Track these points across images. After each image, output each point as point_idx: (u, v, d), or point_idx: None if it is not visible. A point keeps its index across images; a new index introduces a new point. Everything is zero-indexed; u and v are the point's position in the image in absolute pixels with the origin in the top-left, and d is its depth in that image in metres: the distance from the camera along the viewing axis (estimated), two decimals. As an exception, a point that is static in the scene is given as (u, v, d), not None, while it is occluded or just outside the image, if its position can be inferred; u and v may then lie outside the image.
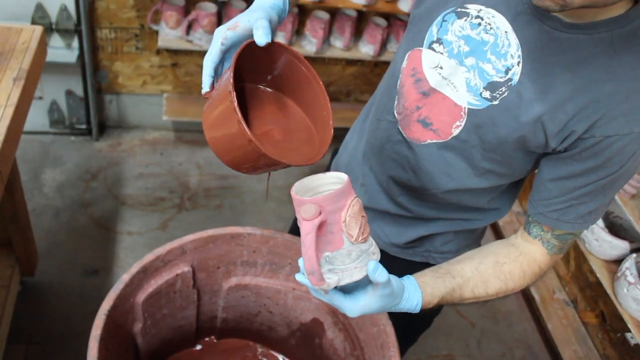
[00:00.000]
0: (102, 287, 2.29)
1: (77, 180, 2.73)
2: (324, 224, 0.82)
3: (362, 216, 0.86)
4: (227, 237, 1.27)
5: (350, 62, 3.05)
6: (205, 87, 0.90)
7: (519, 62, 0.93)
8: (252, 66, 0.92)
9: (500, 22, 0.94)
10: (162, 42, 2.59)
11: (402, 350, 1.27)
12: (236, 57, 0.84)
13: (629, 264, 2.07)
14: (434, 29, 1.02)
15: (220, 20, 2.61)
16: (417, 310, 0.97)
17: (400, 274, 1.22)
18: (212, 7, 2.56)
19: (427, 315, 1.43)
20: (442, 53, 1.01)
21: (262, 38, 0.84)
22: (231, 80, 0.82)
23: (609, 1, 0.77)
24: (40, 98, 2.78)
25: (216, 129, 0.87)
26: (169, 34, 2.57)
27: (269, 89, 0.99)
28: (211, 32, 2.56)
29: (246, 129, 0.81)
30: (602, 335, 2.46)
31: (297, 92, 0.97)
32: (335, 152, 1.48)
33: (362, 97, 3.22)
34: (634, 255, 2.10)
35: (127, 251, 2.47)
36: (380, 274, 0.85)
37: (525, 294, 2.76)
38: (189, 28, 2.57)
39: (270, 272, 1.35)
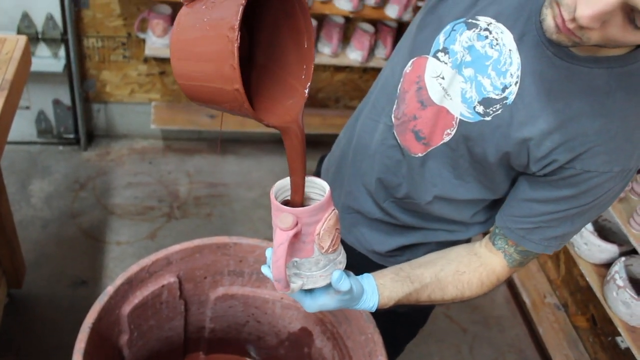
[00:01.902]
0: (91, 298, 2.24)
1: (66, 191, 2.71)
2: (298, 234, 0.83)
3: (337, 229, 0.87)
4: (213, 247, 1.26)
5: (339, 69, 3.05)
6: None
7: (516, 82, 0.93)
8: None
9: (507, 40, 0.93)
10: (149, 51, 2.58)
11: (390, 359, 1.26)
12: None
13: (618, 267, 2.07)
14: (441, 37, 1.01)
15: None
16: (372, 310, 0.99)
17: None
18: (199, 15, 2.55)
19: (413, 327, 1.43)
20: (446, 63, 1.00)
21: None
22: (239, 14, 0.67)
23: (620, 43, 0.77)
24: (27, 108, 2.77)
25: (196, 57, 0.73)
26: (156, 42, 2.57)
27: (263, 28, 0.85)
28: (198, 40, 2.55)
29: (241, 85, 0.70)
30: (593, 339, 2.46)
31: (286, 39, 0.84)
32: (321, 159, 1.47)
33: (351, 104, 3.22)
34: (623, 258, 2.10)
35: (116, 261, 2.45)
36: (343, 283, 0.89)
37: (517, 299, 2.76)
38: (176, 36, 2.56)
39: (257, 282, 1.35)
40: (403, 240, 1.24)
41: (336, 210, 0.87)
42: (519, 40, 0.92)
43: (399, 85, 1.09)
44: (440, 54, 1.01)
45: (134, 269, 1.18)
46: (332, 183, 1.32)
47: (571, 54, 0.88)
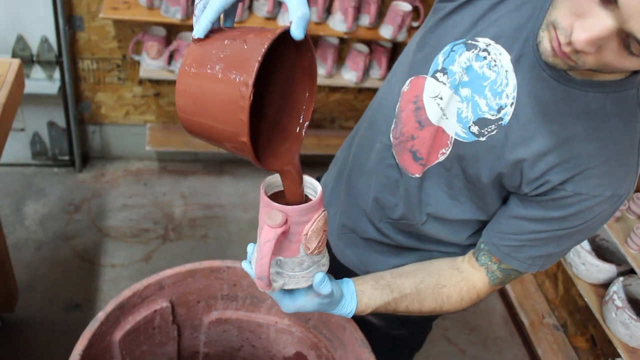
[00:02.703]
0: (84, 322, 2.22)
1: (60, 213, 2.69)
2: (286, 232, 0.82)
3: (324, 230, 0.86)
4: (206, 271, 1.25)
5: (334, 89, 3.05)
6: (200, 33, 0.74)
7: (512, 104, 0.92)
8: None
9: (505, 61, 0.93)
10: (144, 73, 2.58)
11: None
12: (269, 44, 0.69)
13: (616, 287, 2.06)
14: (440, 57, 1.00)
15: (202, 49, 2.60)
16: (349, 316, 0.99)
17: None
18: (194, 37, 2.56)
19: (410, 350, 1.42)
20: (444, 83, 1.00)
21: (299, 32, 0.73)
22: (254, 71, 0.66)
23: (615, 69, 0.77)
24: (22, 130, 2.76)
25: (203, 101, 0.72)
26: (151, 64, 2.57)
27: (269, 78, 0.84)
28: (193, 62, 2.55)
29: (248, 138, 0.69)
30: None
31: (291, 87, 0.84)
32: (317, 180, 1.46)
33: (346, 124, 3.22)
34: (622, 278, 2.09)
35: (111, 284, 2.43)
36: (325, 287, 0.89)
37: (515, 319, 2.74)
38: (171, 58, 2.57)
39: (251, 306, 1.33)
40: (398, 261, 1.22)
41: (326, 212, 0.86)
42: (516, 62, 0.92)
43: (397, 105, 1.09)
44: (439, 74, 1.00)
45: (125, 294, 1.17)
46: (329, 202, 1.32)
47: (568, 77, 0.88)
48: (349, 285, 0.99)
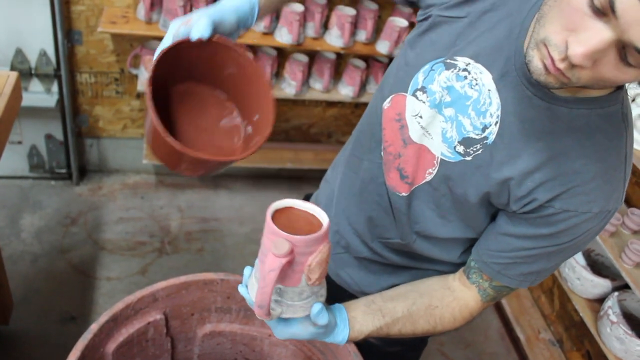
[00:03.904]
0: (79, 335, 2.21)
1: (57, 225, 2.70)
2: (291, 261, 0.81)
3: (327, 262, 0.85)
4: (200, 283, 1.25)
5: (331, 104, 3.06)
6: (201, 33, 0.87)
7: (496, 122, 0.92)
8: (195, 64, 0.90)
9: (486, 80, 0.93)
10: (141, 86, 2.59)
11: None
12: (160, 56, 0.83)
13: (611, 302, 2.06)
14: (420, 76, 1.00)
15: (200, 63, 2.62)
16: (341, 344, 0.99)
17: None
18: (191, 51, 2.57)
19: None
20: (424, 102, 1.00)
21: (194, 34, 0.85)
22: (150, 79, 0.80)
23: (611, 82, 0.76)
24: (20, 143, 2.77)
25: (145, 126, 0.86)
26: (149, 78, 2.58)
27: (212, 87, 0.96)
28: (191, 76, 2.57)
29: (158, 120, 0.80)
30: (589, 375, 2.43)
31: (240, 89, 0.94)
32: (306, 197, 1.46)
33: (343, 139, 3.23)
34: (616, 293, 2.09)
35: (106, 297, 2.43)
36: (322, 317, 0.89)
37: (511, 335, 2.73)
38: (169, 72, 2.58)
39: (245, 318, 1.33)
40: (393, 280, 1.22)
41: (330, 244, 0.86)
42: (498, 81, 0.91)
43: (381, 122, 1.09)
44: (418, 93, 1.00)
45: (119, 306, 1.17)
46: None
47: (551, 94, 0.88)
48: (341, 312, 0.99)
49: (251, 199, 3.09)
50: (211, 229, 2.86)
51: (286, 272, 0.83)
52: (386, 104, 1.07)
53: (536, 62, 0.79)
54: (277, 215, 0.86)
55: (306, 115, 3.08)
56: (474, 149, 0.95)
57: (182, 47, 0.86)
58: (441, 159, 1.00)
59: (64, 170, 2.91)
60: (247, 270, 0.93)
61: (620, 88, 0.88)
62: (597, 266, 2.33)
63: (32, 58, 2.51)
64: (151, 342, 1.27)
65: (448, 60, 0.97)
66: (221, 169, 0.94)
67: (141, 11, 2.42)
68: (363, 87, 2.84)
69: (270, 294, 0.82)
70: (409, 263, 1.19)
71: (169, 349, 1.32)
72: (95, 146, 2.95)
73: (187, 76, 0.94)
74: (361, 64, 2.78)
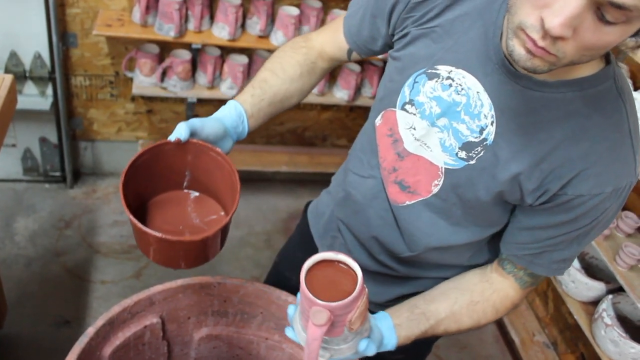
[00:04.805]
0: (74, 338, 2.19)
1: (51, 229, 2.69)
2: (331, 321, 0.83)
3: (367, 309, 0.88)
4: (196, 286, 1.25)
5: (326, 107, 3.07)
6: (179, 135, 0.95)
7: (492, 122, 0.93)
8: (173, 165, 0.99)
9: (471, 83, 0.94)
10: (136, 89, 2.59)
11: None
12: (134, 158, 0.92)
13: (605, 305, 2.07)
14: (406, 90, 1.02)
15: (194, 67, 2.62)
16: (391, 349, 1.00)
17: None
18: (186, 55, 2.57)
19: None
20: (414, 114, 1.01)
21: (172, 136, 0.92)
22: (121, 186, 0.89)
23: (597, 48, 0.76)
24: (14, 145, 2.76)
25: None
26: (144, 81, 2.58)
27: (191, 190, 1.05)
28: (186, 79, 2.57)
29: (133, 218, 0.88)
30: (583, 378, 2.43)
31: (214, 183, 1.02)
32: (307, 205, 1.46)
33: (338, 142, 3.23)
34: (611, 296, 2.10)
35: (100, 301, 2.42)
36: (370, 350, 0.91)
37: (505, 338, 2.74)
38: (164, 75, 2.58)
39: (242, 322, 1.33)
40: (400, 290, 1.23)
41: (366, 291, 0.86)
42: (484, 82, 0.92)
43: (375, 139, 1.11)
44: (407, 106, 1.02)
45: (115, 309, 1.16)
46: (324, 232, 1.32)
47: (541, 82, 0.88)
48: (386, 321, 1.00)
49: (246, 203, 3.09)
50: (206, 232, 2.85)
51: (329, 329, 0.85)
52: (378, 121, 1.09)
53: (518, 49, 0.79)
54: (311, 276, 0.86)
55: (301, 118, 3.08)
56: (476, 152, 0.95)
57: (164, 149, 0.94)
58: (445, 169, 1.00)
59: (58, 173, 2.90)
60: (290, 309, 0.95)
61: (608, 63, 0.88)
62: (592, 269, 2.34)
63: (27, 61, 2.50)
64: (147, 346, 1.26)
65: (429, 71, 0.98)
66: (202, 258, 1.00)
67: (136, 14, 2.42)
68: (358, 90, 2.84)
69: (317, 357, 0.85)
70: (417, 273, 1.19)
71: (165, 353, 1.31)
72: (90, 149, 2.94)
73: (166, 183, 1.02)
74: (356, 67, 2.79)
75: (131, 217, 0.88)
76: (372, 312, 1.07)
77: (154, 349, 1.28)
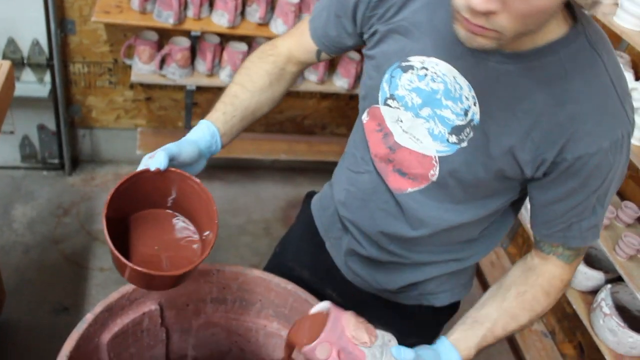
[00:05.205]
0: (72, 325, 2.18)
1: (49, 216, 2.68)
2: (339, 351, 0.90)
3: (362, 322, 0.93)
4: (195, 274, 1.24)
5: (325, 96, 3.06)
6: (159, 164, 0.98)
7: (475, 103, 0.94)
8: (155, 191, 1.02)
9: (445, 69, 0.95)
10: (135, 77, 2.57)
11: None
12: (118, 185, 0.95)
13: (604, 294, 2.07)
14: (385, 86, 1.03)
15: (193, 54, 2.61)
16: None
17: (393, 317, 1.23)
18: (185, 42, 2.56)
19: None
20: (398, 108, 1.03)
21: (153, 165, 0.95)
22: (104, 213, 0.93)
23: (534, 14, 0.76)
24: (12, 132, 2.75)
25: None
26: (143, 69, 2.56)
27: (170, 211, 1.09)
28: (185, 67, 2.56)
29: (111, 243, 0.92)
30: (581, 367, 2.44)
31: (192, 209, 1.06)
32: (309, 195, 1.46)
33: (337, 130, 3.22)
34: (609, 286, 2.10)
35: (99, 288, 2.42)
36: (405, 353, 0.92)
37: (503, 326, 2.74)
38: (163, 62, 2.56)
39: (240, 309, 1.33)
40: (413, 277, 1.23)
41: (349, 313, 0.94)
42: (458, 65, 0.93)
43: (365, 136, 1.12)
44: (389, 101, 1.04)
45: (114, 296, 1.16)
46: (330, 226, 1.32)
47: (512, 54, 0.89)
48: (442, 341, 1.01)
49: (245, 190, 3.08)
50: (205, 221, 2.85)
51: (347, 356, 0.91)
52: (365, 118, 1.11)
53: (460, 31, 0.81)
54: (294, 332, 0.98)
55: (300, 106, 3.07)
56: (466, 134, 0.96)
57: (145, 176, 0.97)
58: (439, 157, 1.00)
59: (56, 161, 2.89)
60: None
61: (575, 22, 0.89)
62: (591, 259, 2.34)
63: (25, 47, 2.49)
64: (146, 333, 1.26)
65: (403, 64, 1.00)
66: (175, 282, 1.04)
67: (135, 1, 2.40)
68: (358, 79, 2.83)
69: None
70: (429, 258, 1.19)
71: (163, 340, 1.31)
72: (88, 136, 2.93)
73: (147, 203, 1.05)
74: (356, 56, 2.77)
75: (113, 249, 0.92)
76: (402, 319, 1.12)
77: (152, 336, 1.28)
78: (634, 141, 1.92)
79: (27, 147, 2.81)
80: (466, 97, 0.94)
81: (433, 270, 1.21)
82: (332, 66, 2.85)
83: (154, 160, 0.96)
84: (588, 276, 2.17)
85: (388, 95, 1.03)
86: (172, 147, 0.98)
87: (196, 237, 1.09)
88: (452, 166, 1.00)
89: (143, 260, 1.01)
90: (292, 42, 1.20)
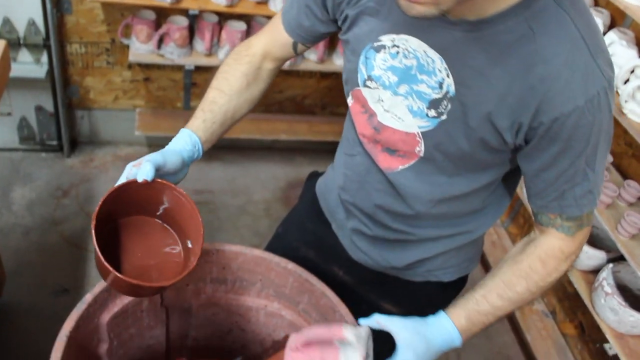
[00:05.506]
0: (72, 307, 2.19)
1: (48, 198, 2.67)
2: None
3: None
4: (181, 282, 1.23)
5: (325, 75, 3.03)
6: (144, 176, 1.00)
7: (447, 74, 0.94)
8: (141, 200, 1.04)
9: (415, 44, 0.96)
10: (133, 57, 2.55)
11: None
12: (105, 196, 0.98)
13: (605, 274, 2.06)
14: (362, 68, 1.05)
15: (192, 33, 2.58)
16: (458, 335, 1.04)
17: (401, 295, 1.26)
18: (183, 21, 2.53)
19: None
20: (377, 88, 1.04)
21: (140, 177, 0.97)
22: (93, 221, 0.96)
23: None
24: (9, 114, 2.73)
25: (95, 260, 0.98)
26: (140, 48, 2.54)
27: (158, 220, 1.11)
28: (183, 46, 2.53)
29: (97, 248, 0.94)
30: (582, 346, 2.44)
31: (179, 219, 1.09)
32: (312, 175, 1.46)
33: (337, 110, 3.20)
34: (611, 265, 2.09)
35: (99, 269, 2.41)
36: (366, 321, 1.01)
37: (504, 306, 2.74)
38: (160, 42, 2.54)
39: (240, 289, 1.32)
40: (421, 253, 1.23)
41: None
42: (426, 39, 0.94)
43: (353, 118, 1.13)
44: (368, 82, 1.05)
45: (113, 276, 1.15)
46: (335, 208, 1.33)
47: (476, 21, 0.88)
48: (438, 316, 1.04)
49: (244, 171, 3.07)
50: (204, 201, 2.85)
51: None
52: (350, 101, 1.12)
53: (402, 3, 0.81)
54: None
55: (300, 86, 3.05)
56: (444, 107, 0.96)
57: (132, 187, 1.00)
58: (422, 133, 1.01)
59: (54, 142, 2.87)
60: None
61: None
62: (592, 238, 2.33)
63: (21, 27, 2.46)
64: (146, 313, 1.25)
65: (375, 44, 1.01)
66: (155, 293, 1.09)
67: (132, -21, 2.37)
68: (358, 58, 2.80)
69: None
70: (436, 233, 1.19)
71: (164, 320, 1.31)
72: (87, 118, 2.91)
73: (134, 211, 1.08)
74: (356, 34, 2.75)
75: (102, 259, 0.94)
76: (410, 296, 1.12)
77: (152, 316, 1.27)
78: (633, 117, 1.90)
79: (25, 128, 2.79)
80: (439, 70, 0.94)
81: (440, 246, 1.21)
82: (332, 45, 2.82)
83: (141, 171, 0.98)
84: (590, 255, 2.17)
85: (366, 77, 1.05)
86: (157, 158, 1.01)
87: (178, 248, 1.12)
88: (436, 140, 1.00)
89: (129, 267, 1.05)
90: (267, 39, 1.22)
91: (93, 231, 0.96)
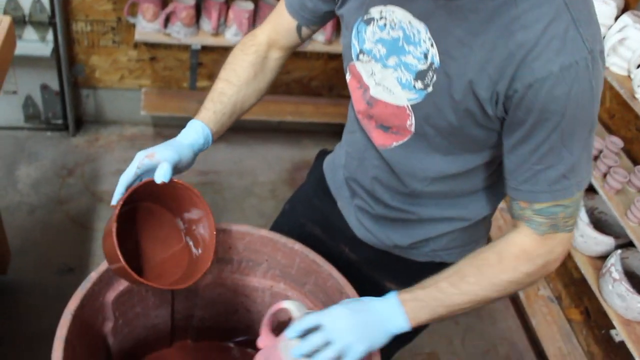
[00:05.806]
0: (77, 286, 2.19)
1: (53, 177, 2.66)
2: None
3: None
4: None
5: (333, 57, 3.00)
6: (114, 202, 1.03)
7: (432, 44, 0.94)
8: (158, 192, 1.06)
9: (401, 15, 0.97)
10: (139, 36, 2.53)
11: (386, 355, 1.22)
12: (129, 192, 1.00)
13: (614, 260, 2.05)
14: (354, 41, 1.06)
15: (199, 12, 2.55)
16: (404, 319, 1.00)
17: (405, 274, 1.22)
18: (190, 0, 2.51)
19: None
20: (369, 61, 1.05)
21: (159, 178, 1.00)
22: (115, 214, 0.99)
23: None
24: (15, 92, 2.72)
25: (104, 243, 1.02)
26: (147, 27, 2.52)
27: (170, 214, 1.15)
28: (190, 25, 2.51)
29: (118, 252, 0.96)
30: (587, 332, 2.44)
31: (193, 221, 1.12)
32: (321, 153, 1.46)
33: (344, 92, 3.18)
34: (619, 251, 2.08)
35: (104, 249, 2.41)
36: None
37: (510, 291, 2.73)
38: (167, 21, 2.52)
39: (246, 269, 1.31)
40: (425, 232, 1.22)
41: None
42: (411, 9, 0.95)
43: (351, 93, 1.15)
44: (361, 56, 1.06)
45: (119, 254, 1.14)
46: (341, 186, 1.33)
47: None
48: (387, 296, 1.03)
49: (251, 152, 3.06)
50: (210, 182, 2.84)
51: None
52: (348, 77, 1.13)
53: None
54: None
55: (307, 67, 3.02)
56: (430, 78, 0.96)
57: (150, 184, 1.02)
58: (411, 105, 1.01)
59: (60, 121, 2.86)
60: None
61: None
62: (600, 224, 2.31)
63: (26, 5, 2.44)
64: (152, 292, 1.25)
65: (365, 17, 1.02)
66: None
67: (139, -44, 2.34)
68: (366, 39, 2.78)
69: None
70: (439, 212, 1.18)
71: (169, 300, 1.30)
72: (92, 97, 2.90)
73: (151, 199, 1.11)
74: (364, 15, 2.72)
75: (124, 264, 0.96)
76: (415, 276, 1.08)
77: (158, 295, 1.26)
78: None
79: (30, 107, 2.78)
80: (424, 40, 0.95)
81: (442, 226, 1.20)
82: (339, 26, 2.79)
83: (159, 173, 1.00)
84: (598, 241, 2.15)
85: (358, 51, 1.06)
86: (174, 156, 1.04)
87: (193, 250, 1.15)
88: (424, 112, 1.00)
89: (134, 257, 1.07)
90: (271, 27, 1.23)
91: (114, 225, 0.97)
